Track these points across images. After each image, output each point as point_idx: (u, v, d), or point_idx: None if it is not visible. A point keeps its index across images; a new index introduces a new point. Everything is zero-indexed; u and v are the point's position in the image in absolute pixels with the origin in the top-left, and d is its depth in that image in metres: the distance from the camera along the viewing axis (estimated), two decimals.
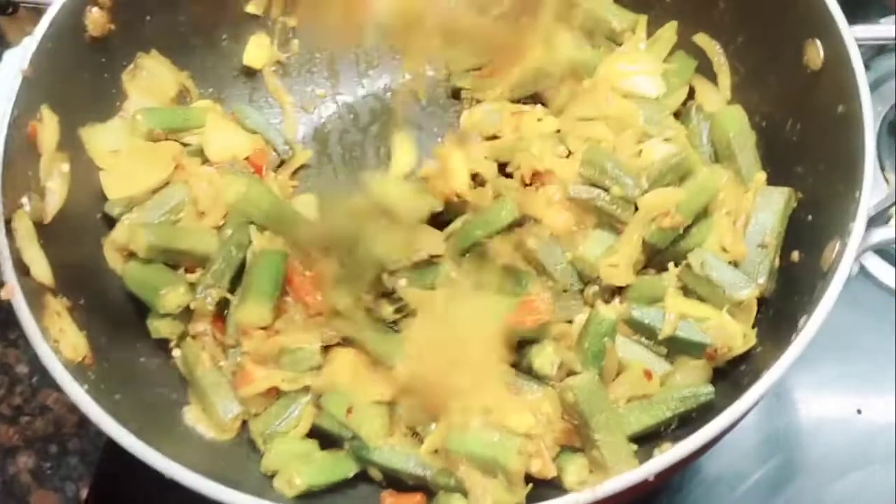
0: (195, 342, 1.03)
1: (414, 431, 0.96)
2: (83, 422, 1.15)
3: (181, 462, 0.82)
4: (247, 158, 1.14)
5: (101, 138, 1.06)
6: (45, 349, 0.85)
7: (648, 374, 0.93)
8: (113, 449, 0.83)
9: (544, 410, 0.91)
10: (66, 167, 1.01)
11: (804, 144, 1.00)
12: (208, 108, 1.16)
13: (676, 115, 1.11)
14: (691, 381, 0.94)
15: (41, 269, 0.92)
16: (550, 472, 0.90)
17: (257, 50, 1.22)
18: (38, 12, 1.00)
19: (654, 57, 1.12)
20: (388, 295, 1.02)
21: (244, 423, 1.00)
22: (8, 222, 0.92)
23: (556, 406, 0.92)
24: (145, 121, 1.09)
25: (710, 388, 0.93)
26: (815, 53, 0.97)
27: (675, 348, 0.96)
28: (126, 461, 0.82)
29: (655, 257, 1.02)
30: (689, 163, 1.01)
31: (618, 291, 1.02)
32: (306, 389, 0.98)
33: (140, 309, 1.04)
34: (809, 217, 0.97)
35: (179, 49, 1.15)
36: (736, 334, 0.94)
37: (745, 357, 0.96)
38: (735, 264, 0.99)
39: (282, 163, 1.19)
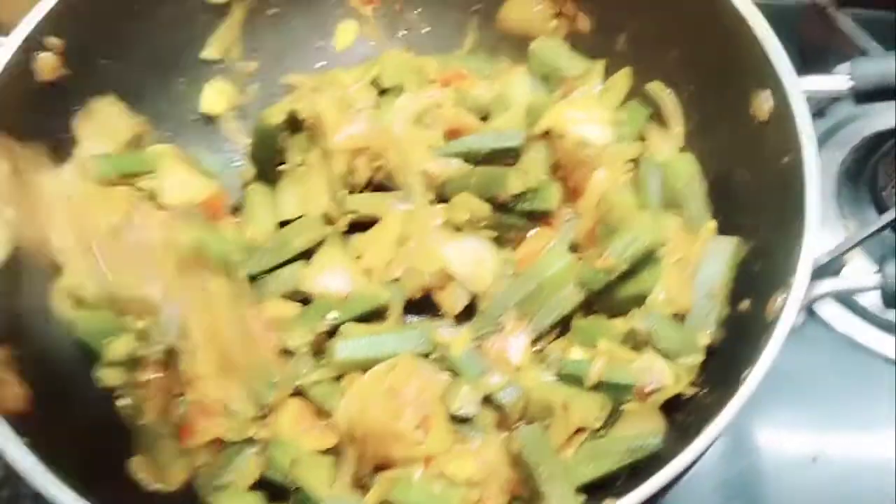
0: (142, 391, 1.01)
1: (361, 483, 0.95)
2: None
3: None
4: (202, 203, 1.13)
5: (52, 184, 1.06)
6: None
7: (565, 407, 0.94)
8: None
9: (487, 458, 0.90)
10: (11, 213, 1.00)
11: (753, 194, 1.01)
12: (164, 152, 1.15)
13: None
14: (639, 430, 0.94)
15: None
16: None
17: (216, 96, 1.22)
18: None
19: (607, 104, 1.13)
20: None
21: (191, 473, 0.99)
22: None
23: (501, 454, 0.91)
24: (97, 166, 1.08)
25: (658, 439, 0.92)
26: (763, 104, 0.98)
27: (608, 394, 0.96)
28: None
29: (606, 298, 1.02)
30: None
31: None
32: (251, 440, 0.97)
33: (87, 357, 1.02)
34: (758, 267, 0.98)
35: (135, 93, 1.15)
36: (665, 373, 0.94)
37: (694, 405, 0.95)
38: (682, 315, 0.99)
39: (238, 207, 1.19)
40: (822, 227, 0.89)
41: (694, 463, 0.85)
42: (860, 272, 1.11)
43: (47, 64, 1.04)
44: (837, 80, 0.99)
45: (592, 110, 1.08)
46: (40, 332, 1.00)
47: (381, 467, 0.93)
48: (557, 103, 1.10)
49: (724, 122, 1.05)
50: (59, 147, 1.08)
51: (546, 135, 1.08)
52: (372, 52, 1.26)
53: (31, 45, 1.02)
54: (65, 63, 1.06)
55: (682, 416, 0.95)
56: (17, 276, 0.99)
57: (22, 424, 0.86)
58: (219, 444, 0.98)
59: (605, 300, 1.03)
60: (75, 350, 1.03)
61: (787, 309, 0.85)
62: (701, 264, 1.00)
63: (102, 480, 0.91)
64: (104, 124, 1.12)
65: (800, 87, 0.94)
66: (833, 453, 1.14)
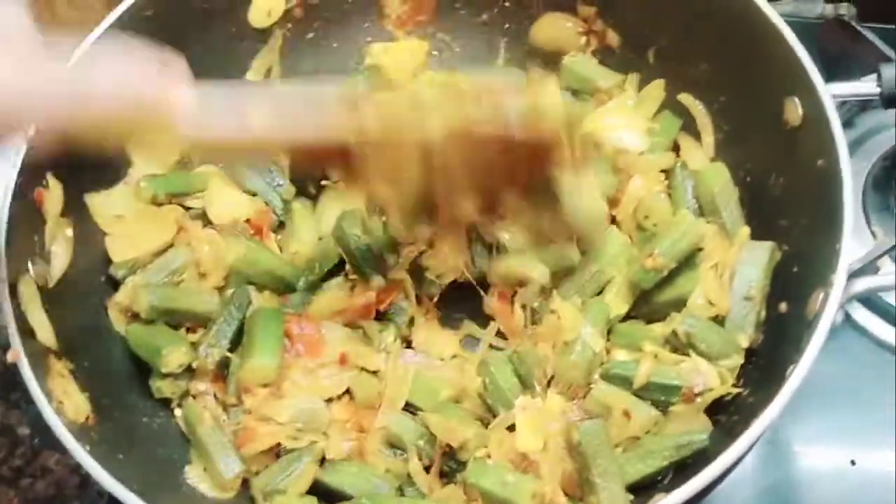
0: (197, 401, 1.04)
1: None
2: (84, 483, 1.16)
3: None
4: (248, 220, 1.17)
5: (105, 204, 1.10)
6: (49, 411, 0.87)
7: (627, 414, 0.96)
8: None
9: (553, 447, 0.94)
10: (70, 232, 1.03)
11: (787, 198, 1.04)
12: (211, 173, 1.19)
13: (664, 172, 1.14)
14: (686, 430, 0.96)
15: (45, 333, 0.94)
16: None
17: None
18: None
19: (641, 114, 1.16)
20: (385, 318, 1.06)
21: (245, 481, 1.01)
22: (13, 286, 0.94)
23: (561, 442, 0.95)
24: (149, 187, 1.12)
25: (705, 436, 0.94)
26: (794, 110, 1.00)
27: (654, 395, 0.98)
28: None
29: (644, 304, 1.05)
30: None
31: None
32: (310, 446, 1.00)
33: (142, 369, 1.06)
34: (795, 269, 1.00)
35: None
36: (710, 374, 0.96)
37: (737, 406, 0.97)
38: (721, 318, 1.01)
39: (281, 224, 1.22)
40: (851, 234, 0.91)
41: (738, 461, 0.86)
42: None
43: None
44: (866, 86, 1.02)
45: (629, 118, 1.11)
46: (100, 345, 1.04)
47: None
48: (593, 112, 1.14)
49: (756, 129, 1.08)
50: (113, 168, 1.12)
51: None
52: None
53: None
54: None
55: (726, 417, 0.97)
56: (74, 292, 1.02)
57: (84, 433, 0.90)
58: (276, 451, 1.01)
59: (643, 306, 1.06)
60: (131, 363, 1.06)
61: (828, 307, 0.87)
62: (737, 269, 1.02)
63: (162, 487, 0.94)
64: (155, 147, 1.15)
65: (830, 92, 0.97)
66: (869, 460, 1.14)
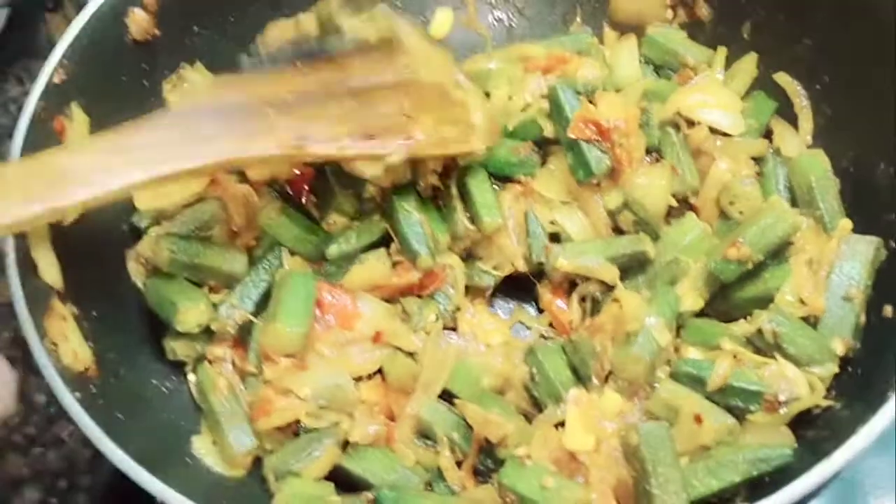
0: (213, 367, 0.95)
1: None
2: (96, 458, 1.09)
3: (181, 492, 0.74)
4: (287, 180, 1.07)
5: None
6: (39, 348, 0.79)
7: (698, 419, 0.83)
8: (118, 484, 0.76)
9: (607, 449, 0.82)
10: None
11: None
12: None
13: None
14: (765, 442, 0.83)
15: (49, 270, 0.86)
16: None
17: None
18: (82, 8, 0.96)
19: (733, 92, 1.04)
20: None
21: (258, 460, 0.91)
22: None
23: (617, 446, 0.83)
24: None
25: (789, 452, 0.82)
26: None
27: (731, 401, 0.86)
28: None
29: (721, 300, 0.93)
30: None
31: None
32: (332, 427, 0.90)
33: (158, 330, 0.97)
34: None
35: (224, 64, 1.09)
36: (799, 382, 0.84)
37: (826, 419, 0.85)
38: (814, 319, 0.89)
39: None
40: None
41: (826, 482, 0.74)
42: None
43: (139, 22, 1.00)
44: None
45: (720, 96, 1.00)
46: (110, 296, 0.95)
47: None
48: (681, 88, 1.03)
49: (862, 114, 0.96)
50: (146, 110, 1.04)
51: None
52: (467, 39, 1.19)
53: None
54: (157, 24, 1.01)
55: (814, 432, 0.84)
56: (91, 235, 0.93)
57: (79, 383, 0.81)
58: (293, 430, 0.91)
59: (722, 302, 0.94)
60: (146, 321, 0.97)
61: None
62: (836, 265, 0.90)
63: (163, 455, 0.84)
64: (191, 92, 1.07)
65: None
66: None
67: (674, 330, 0.91)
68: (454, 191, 1.02)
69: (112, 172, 0.80)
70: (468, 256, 1.03)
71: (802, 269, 0.91)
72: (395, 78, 0.91)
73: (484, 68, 1.12)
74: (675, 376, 0.88)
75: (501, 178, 1.05)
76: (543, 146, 1.05)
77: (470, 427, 0.90)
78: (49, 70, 0.91)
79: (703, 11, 1.11)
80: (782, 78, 1.04)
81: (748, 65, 1.06)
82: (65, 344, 0.82)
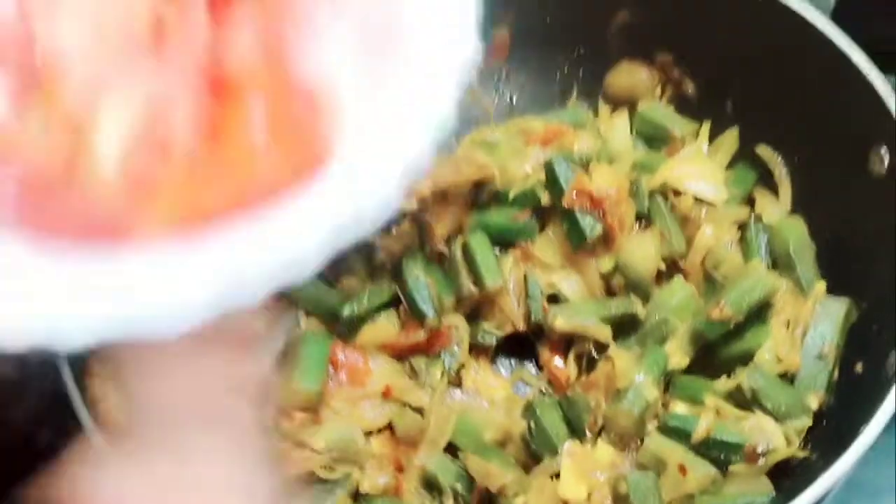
0: None
1: None
2: None
3: None
4: None
5: None
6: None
7: (682, 470, 0.89)
8: None
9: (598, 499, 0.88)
10: None
11: (868, 253, 0.98)
12: None
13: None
14: (745, 491, 0.90)
15: None
16: None
17: None
18: None
19: (716, 164, 1.11)
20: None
21: None
22: None
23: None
24: None
25: (765, 499, 0.88)
26: (879, 161, 0.95)
27: (714, 453, 0.92)
28: None
29: (706, 358, 0.99)
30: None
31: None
32: (344, 478, 0.96)
33: None
34: (874, 327, 0.93)
35: None
36: (776, 434, 0.90)
37: (804, 471, 0.90)
38: (790, 376, 0.95)
39: None
40: None
41: None
42: None
43: None
44: None
45: (704, 168, 1.07)
46: None
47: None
48: (668, 160, 1.10)
49: (838, 181, 1.03)
50: None
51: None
52: (471, 114, 1.26)
53: None
54: None
55: (790, 482, 0.90)
56: None
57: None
58: (307, 480, 0.97)
59: (707, 360, 1.00)
60: None
61: None
62: (811, 324, 0.96)
63: None
64: None
65: None
66: None
67: (662, 386, 0.98)
68: (458, 255, 1.09)
69: None
70: (472, 317, 1.09)
71: (781, 329, 0.97)
72: None
73: (488, 140, 1.20)
74: (662, 429, 0.94)
75: (502, 243, 1.11)
76: (541, 213, 1.12)
77: (472, 478, 0.95)
78: None
79: (689, 87, 1.19)
80: (764, 151, 1.11)
81: (730, 139, 1.13)
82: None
